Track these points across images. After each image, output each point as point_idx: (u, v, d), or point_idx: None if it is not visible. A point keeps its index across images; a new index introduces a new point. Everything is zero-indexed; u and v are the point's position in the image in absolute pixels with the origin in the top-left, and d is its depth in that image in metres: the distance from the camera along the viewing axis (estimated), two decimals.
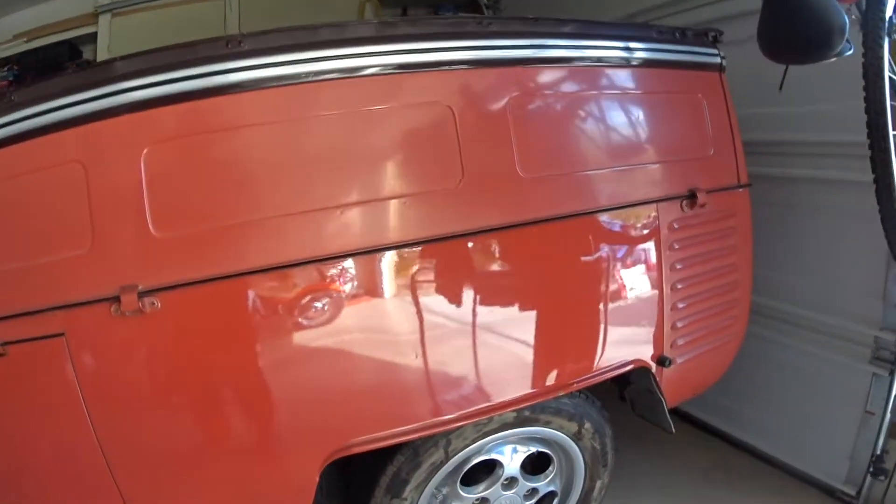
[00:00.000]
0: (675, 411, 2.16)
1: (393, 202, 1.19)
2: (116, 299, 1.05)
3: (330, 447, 1.24)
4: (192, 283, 1.10)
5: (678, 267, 1.48)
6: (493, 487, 1.46)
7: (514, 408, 1.34)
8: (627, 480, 1.89)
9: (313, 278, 1.16)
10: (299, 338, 1.17)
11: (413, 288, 1.22)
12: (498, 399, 1.32)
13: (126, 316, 1.06)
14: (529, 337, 1.33)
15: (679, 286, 1.49)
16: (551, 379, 1.37)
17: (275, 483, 1.26)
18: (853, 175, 1.72)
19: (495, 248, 1.27)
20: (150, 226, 1.07)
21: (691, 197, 1.47)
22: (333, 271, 1.17)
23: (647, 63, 1.44)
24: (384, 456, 1.37)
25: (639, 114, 1.44)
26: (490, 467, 1.48)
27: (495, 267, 1.28)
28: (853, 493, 1.85)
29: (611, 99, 1.41)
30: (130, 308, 1.05)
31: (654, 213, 1.43)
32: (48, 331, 1.06)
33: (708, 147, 1.53)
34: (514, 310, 1.31)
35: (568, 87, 1.36)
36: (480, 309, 1.28)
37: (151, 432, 1.16)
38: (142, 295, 1.06)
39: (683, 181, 1.48)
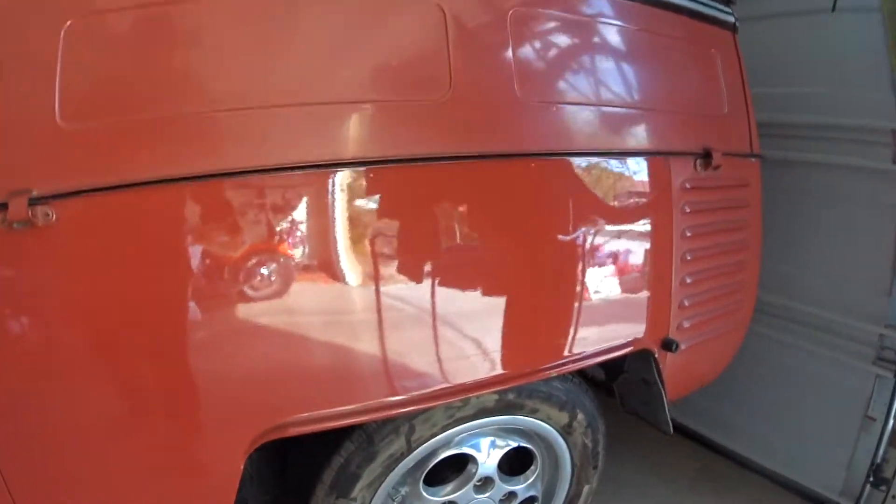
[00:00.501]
0: None
1: (362, 107, 0.86)
2: (4, 207, 0.73)
3: (258, 427, 0.88)
4: (99, 190, 0.76)
5: (688, 234, 1.19)
6: (464, 489, 1.11)
7: (496, 389, 1.01)
8: (606, 487, 1.58)
9: (250, 195, 0.82)
10: (226, 275, 0.82)
11: (374, 219, 0.88)
12: (476, 377, 0.98)
13: (13, 229, 0.73)
14: (516, 301, 1.00)
15: (688, 257, 1.20)
16: (541, 355, 1.05)
17: (189, 471, 0.90)
18: (861, 161, 1.51)
19: (483, 181, 0.95)
20: (57, 114, 0.73)
21: (706, 156, 1.20)
22: (277, 188, 0.83)
23: (661, 4, 1.19)
24: (330, 444, 1.01)
25: (652, 54, 1.17)
26: (460, 464, 1.14)
27: (480, 205, 0.95)
28: None
29: (623, 32, 1.13)
30: (18, 218, 0.73)
31: (665, 168, 1.15)
32: None
33: (722, 106, 1.28)
34: (498, 263, 0.98)
35: (575, 8, 1.08)
36: (456, 257, 0.94)
37: (35, 396, 0.79)
38: (34, 202, 0.73)
39: (697, 137, 1.21)
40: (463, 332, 0.97)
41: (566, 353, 1.06)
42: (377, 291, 0.90)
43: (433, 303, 0.94)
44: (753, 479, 1.71)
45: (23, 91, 0.74)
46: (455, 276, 0.95)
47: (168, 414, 0.86)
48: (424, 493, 1.09)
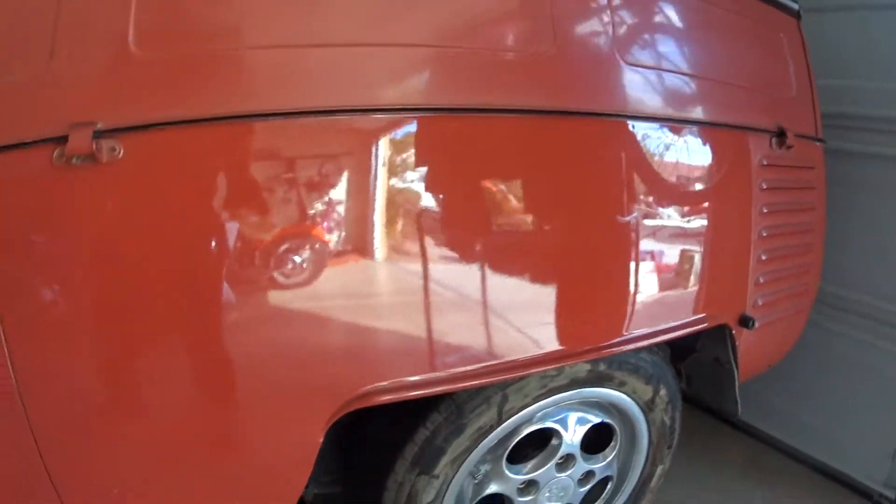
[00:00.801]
0: (695, 403, 1.85)
1: (461, 53, 0.81)
2: (63, 140, 0.64)
3: (340, 396, 0.80)
4: (179, 124, 0.67)
5: (764, 211, 1.17)
6: (546, 466, 1.04)
7: (591, 357, 0.96)
8: None
9: (339, 137, 0.75)
10: (309, 223, 0.74)
11: (471, 170, 0.83)
12: (573, 344, 0.93)
13: (73, 165, 0.64)
14: (611, 267, 0.96)
15: (764, 234, 1.17)
16: (633, 324, 0.99)
17: (261, 447, 0.81)
18: None
19: (582, 139, 0.91)
20: (131, 40, 0.66)
21: (780, 135, 1.19)
22: (366, 130, 0.76)
23: None
24: (414, 416, 0.94)
25: (733, 32, 1.16)
26: (539, 443, 1.07)
27: (579, 162, 0.91)
28: (893, 496, 1.56)
29: (708, 9, 1.12)
30: (80, 152, 0.63)
31: (745, 142, 1.13)
32: None
33: (791, 88, 1.28)
34: (597, 225, 0.93)
35: None
36: (557, 217, 0.89)
37: (90, 362, 0.70)
38: (99, 135, 0.64)
39: (771, 116, 1.19)
40: (560, 296, 0.91)
41: (656, 323, 1.02)
42: (467, 250, 0.83)
43: (532, 264, 0.89)
44: (800, 469, 1.68)
45: (93, 14, 0.66)
46: (561, 238, 0.90)
47: (240, 384, 0.77)
48: (507, 472, 1.02)
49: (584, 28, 0.92)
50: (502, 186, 0.87)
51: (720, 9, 1.16)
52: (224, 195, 0.71)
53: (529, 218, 0.88)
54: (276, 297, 0.75)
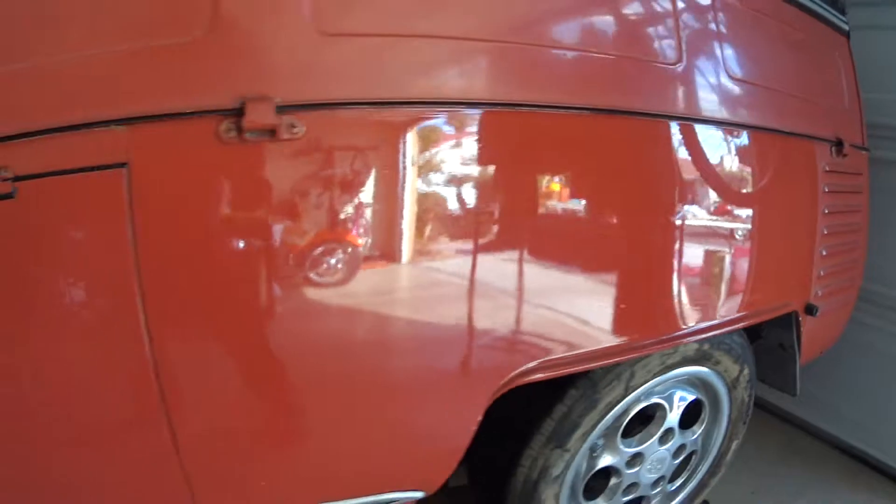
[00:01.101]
0: None
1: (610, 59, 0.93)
2: (235, 113, 0.61)
3: (503, 374, 0.89)
4: (367, 105, 0.67)
5: (826, 212, 1.36)
6: (651, 440, 1.18)
7: (700, 337, 1.11)
8: None
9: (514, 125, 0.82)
10: (481, 202, 0.80)
11: (636, 164, 0.97)
12: (689, 325, 1.08)
13: (245, 142, 0.61)
14: (727, 254, 1.12)
15: (825, 231, 1.37)
16: (734, 308, 1.15)
17: (423, 429, 0.88)
18: None
19: (701, 142, 1.05)
20: (309, 11, 0.64)
21: (839, 144, 1.39)
22: (554, 124, 0.87)
23: (809, 10, 1.36)
24: (549, 394, 1.06)
25: (805, 53, 1.35)
26: (641, 421, 1.20)
27: (699, 165, 1.06)
28: None
29: (787, 31, 1.29)
30: (260, 126, 0.60)
31: (812, 150, 1.32)
32: (96, 159, 0.60)
33: (843, 100, 1.48)
34: (723, 219, 1.09)
35: (758, 5, 1.23)
36: (692, 213, 1.05)
37: (239, 346, 0.72)
38: (280, 110, 0.62)
39: (831, 127, 1.39)
40: (696, 285, 1.07)
41: (752, 308, 1.19)
42: (620, 241, 0.97)
43: (673, 249, 1.03)
44: (833, 453, 1.88)
45: None
46: (691, 232, 1.05)
47: (407, 362, 0.83)
48: (620, 446, 1.16)
49: (704, 43, 1.08)
50: (630, 182, 1.00)
51: (795, 30, 1.34)
52: (413, 178, 0.74)
53: (661, 214, 1.02)
54: (446, 277, 0.81)
